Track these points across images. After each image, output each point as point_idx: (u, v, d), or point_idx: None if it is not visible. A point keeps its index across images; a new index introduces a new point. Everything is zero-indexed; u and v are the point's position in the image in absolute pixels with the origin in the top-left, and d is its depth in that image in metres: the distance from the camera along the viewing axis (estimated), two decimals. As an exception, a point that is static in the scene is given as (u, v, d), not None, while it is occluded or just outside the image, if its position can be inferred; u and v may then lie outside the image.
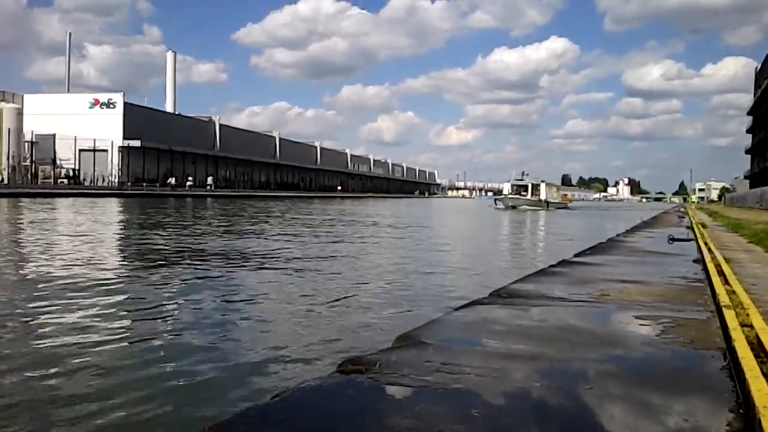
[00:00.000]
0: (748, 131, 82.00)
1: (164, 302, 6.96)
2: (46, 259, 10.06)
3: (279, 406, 2.85)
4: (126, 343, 5.06)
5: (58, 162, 56.98)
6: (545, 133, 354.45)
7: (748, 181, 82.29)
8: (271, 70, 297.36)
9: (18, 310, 6.15)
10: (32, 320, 5.72)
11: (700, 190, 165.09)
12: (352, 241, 16.00)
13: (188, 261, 10.58)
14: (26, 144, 54.81)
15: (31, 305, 6.36)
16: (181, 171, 70.73)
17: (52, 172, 55.57)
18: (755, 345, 3.69)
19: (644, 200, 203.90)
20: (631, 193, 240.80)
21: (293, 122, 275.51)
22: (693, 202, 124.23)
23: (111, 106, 63.22)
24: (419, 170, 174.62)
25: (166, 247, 12.83)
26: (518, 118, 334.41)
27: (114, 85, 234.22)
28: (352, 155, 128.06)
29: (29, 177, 53.55)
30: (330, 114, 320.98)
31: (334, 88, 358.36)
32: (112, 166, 60.63)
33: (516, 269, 10.29)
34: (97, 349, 4.80)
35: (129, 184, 58.43)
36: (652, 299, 5.72)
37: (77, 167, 59.16)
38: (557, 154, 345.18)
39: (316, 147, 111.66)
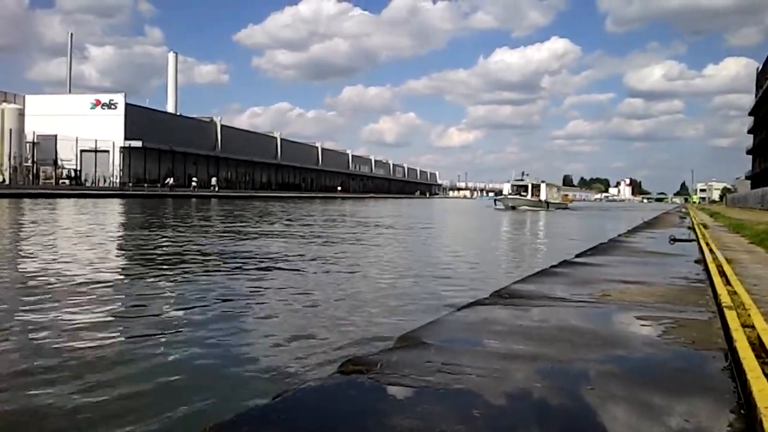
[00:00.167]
0: (749, 132, 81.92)
1: (165, 302, 6.96)
2: (46, 260, 10.06)
3: (280, 407, 2.85)
4: (126, 343, 5.05)
5: (59, 162, 57.00)
6: (547, 134, 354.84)
7: (749, 182, 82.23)
8: (272, 71, 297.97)
9: (19, 310, 6.15)
10: (32, 319, 5.72)
11: (702, 190, 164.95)
12: (352, 241, 16.00)
13: (189, 262, 10.58)
14: (28, 144, 54.85)
15: (31, 306, 6.37)
16: (183, 171, 70.74)
17: (53, 173, 55.60)
18: (756, 345, 3.68)
19: (645, 201, 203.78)
20: (633, 193, 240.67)
21: (294, 123, 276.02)
22: (694, 202, 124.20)
23: (112, 106, 63.25)
24: (420, 171, 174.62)
25: (167, 247, 12.84)
26: (520, 118, 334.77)
27: (115, 86, 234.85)
28: (353, 156, 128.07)
29: (31, 177, 53.60)
30: (331, 115, 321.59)
31: (336, 89, 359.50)
32: (113, 167, 60.66)
33: (517, 270, 10.29)
34: (97, 349, 4.80)
35: (130, 184, 58.44)
36: (654, 300, 5.71)
37: (78, 168, 59.18)
38: (559, 154, 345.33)
39: (317, 147, 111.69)
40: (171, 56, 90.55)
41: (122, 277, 8.98)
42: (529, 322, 4.70)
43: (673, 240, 13.39)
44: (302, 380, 3.60)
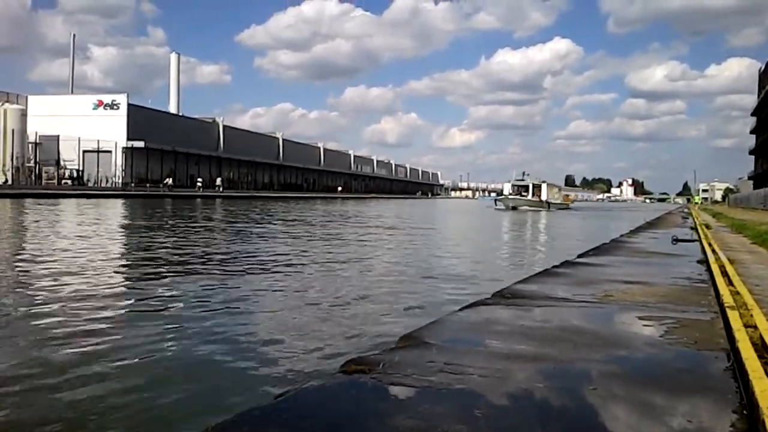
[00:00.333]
0: (751, 132, 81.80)
1: (166, 302, 6.96)
2: (46, 261, 10.08)
3: (282, 407, 2.85)
4: (126, 342, 5.06)
5: (61, 163, 57.12)
6: (548, 134, 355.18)
7: (751, 182, 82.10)
8: (274, 72, 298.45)
9: (20, 310, 6.17)
10: (35, 320, 5.73)
11: (704, 190, 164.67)
12: (353, 242, 16.00)
13: (192, 263, 10.59)
14: (30, 145, 54.98)
15: (32, 306, 6.38)
16: (185, 172, 70.84)
17: (55, 173, 55.69)
18: (759, 346, 3.68)
19: (648, 201, 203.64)
20: (635, 193, 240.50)
21: (297, 123, 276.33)
22: (696, 202, 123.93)
23: (115, 107, 63.34)
24: (422, 171, 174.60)
25: (171, 248, 12.85)
26: (521, 119, 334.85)
27: (118, 87, 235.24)
28: (355, 156, 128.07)
29: (33, 178, 53.70)
30: (333, 115, 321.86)
31: (338, 90, 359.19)
32: (115, 167, 60.76)
33: (519, 270, 10.28)
34: (98, 349, 4.81)
35: (132, 185, 58.53)
36: (656, 300, 5.70)
37: (81, 168, 59.30)
38: (561, 155, 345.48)
39: (319, 148, 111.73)
40: (173, 57, 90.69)
41: (125, 278, 9.00)
42: (531, 322, 4.70)
43: (676, 240, 13.37)
44: (304, 380, 3.60)
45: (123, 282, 8.49)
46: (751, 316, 4.58)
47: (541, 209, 54.31)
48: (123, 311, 6.45)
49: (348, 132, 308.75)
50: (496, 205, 58.85)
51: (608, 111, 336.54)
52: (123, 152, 61.26)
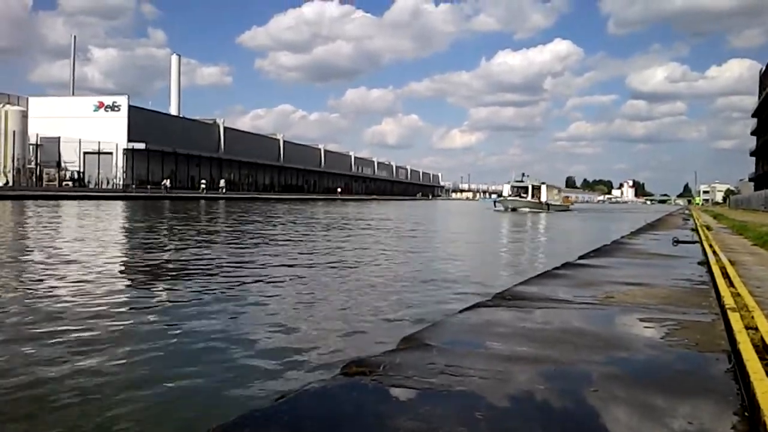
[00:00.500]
0: (752, 133, 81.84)
1: (167, 302, 6.97)
2: (47, 262, 10.08)
3: (283, 408, 2.85)
4: (126, 343, 5.06)
5: (62, 164, 57.13)
6: (549, 136, 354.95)
7: (752, 184, 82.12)
8: (275, 73, 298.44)
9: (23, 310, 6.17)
10: (34, 317, 5.73)
11: (705, 192, 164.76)
12: (354, 243, 16.00)
13: (193, 263, 10.59)
14: (31, 147, 55.00)
15: (32, 304, 6.39)
16: (186, 173, 70.89)
17: (56, 175, 55.68)
18: (760, 348, 3.67)
19: (648, 202, 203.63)
20: (636, 195, 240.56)
21: (297, 125, 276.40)
22: (697, 204, 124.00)
23: (115, 108, 63.38)
24: (423, 172, 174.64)
25: (175, 249, 12.86)
26: (522, 120, 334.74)
27: (119, 88, 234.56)
28: (355, 157, 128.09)
29: (34, 179, 53.72)
30: (334, 117, 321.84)
31: (339, 92, 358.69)
32: (116, 169, 60.79)
33: (519, 272, 10.27)
34: (99, 349, 4.81)
35: (133, 186, 58.56)
36: (657, 302, 5.70)
37: (82, 170, 59.34)
38: (561, 156, 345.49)
39: (320, 149, 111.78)
40: (174, 58, 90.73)
41: (126, 279, 8.99)
42: (531, 324, 4.70)
43: (677, 242, 13.37)
44: (305, 382, 3.60)
45: (123, 283, 8.48)
46: (752, 317, 4.58)
47: (540, 211, 53.87)
48: (123, 311, 6.44)
49: (349, 133, 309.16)
50: (495, 206, 58.52)
51: (609, 112, 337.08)
52: (124, 154, 61.29)
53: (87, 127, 59.71)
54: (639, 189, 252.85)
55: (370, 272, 10.06)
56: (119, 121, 62.36)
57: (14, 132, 51.79)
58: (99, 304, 6.65)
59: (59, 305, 6.50)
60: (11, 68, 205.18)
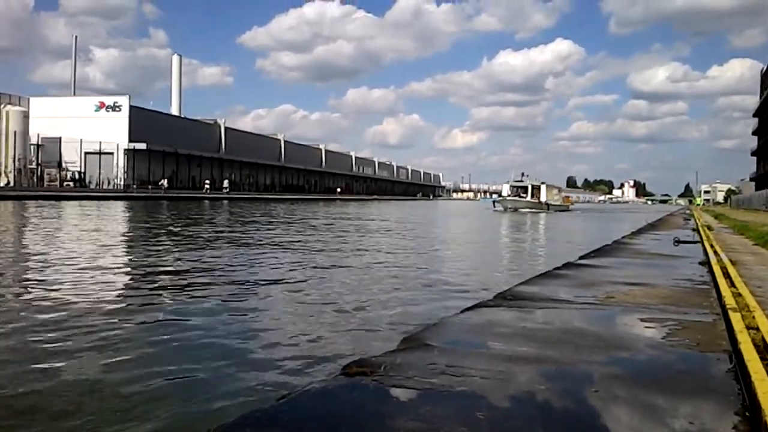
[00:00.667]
0: (753, 133, 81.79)
1: (167, 300, 6.97)
2: (47, 263, 10.09)
3: (284, 409, 2.86)
4: (129, 340, 5.06)
5: (63, 165, 57.18)
6: (550, 136, 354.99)
7: (753, 183, 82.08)
8: (276, 73, 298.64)
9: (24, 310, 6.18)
10: (30, 306, 5.74)
11: (706, 192, 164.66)
12: (354, 243, 16.00)
13: (194, 265, 10.60)
14: (32, 147, 55.04)
15: (31, 300, 6.40)
16: (187, 174, 70.91)
17: (57, 175, 55.72)
18: (761, 348, 3.67)
19: (649, 202, 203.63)
20: (637, 195, 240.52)
21: (298, 125, 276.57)
22: (698, 204, 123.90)
23: (117, 109, 63.39)
24: (424, 172, 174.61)
25: (172, 243, 12.86)
26: (523, 120, 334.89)
27: (120, 89, 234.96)
28: (356, 157, 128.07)
29: (35, 180, 53.76)
30: (335, 117, 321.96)
31: (340, 91, 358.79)
32: (117, 169, 60.81)
33: (520, 272, 10.27)
34: (101, 347, 4.81)
35: (134, 186, 58.58)
36: (658, 302, 5.70)
37: (83, 170, 59.38)
38: (562, 156, 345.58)
39: (321, 149, 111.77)
40: (175, 58, 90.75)
41: (127, 281, 9.00)
42: (532, 324, 4.70)
43: (678, 242, 13.36)
44: (306, 382, 3.61)
45: (124, 284, 8.49)
46: (753, 317, 4.58)
47: (540, 211, 53.39)
48: (123, 310, 6.45)
49: (350, 133, 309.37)
50: (494, 206, 58.03)
51: (610, 112, 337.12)
52: (125, 154, 61.30)
53: (88, 128, 59.73)
54: (640, 189, 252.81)
55: (369, 271, 10.06)
56: (120, 122, 62.36)
57: (15, 132, 51.85)
58: (96, 306, 6.66)
59: (58, 305, 6.51)
60: (12, 68, 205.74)
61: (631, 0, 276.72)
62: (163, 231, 18.23)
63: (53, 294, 7.17)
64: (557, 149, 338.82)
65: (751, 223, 22.20)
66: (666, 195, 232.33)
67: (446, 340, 4.09)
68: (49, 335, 5.22)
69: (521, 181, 59.75)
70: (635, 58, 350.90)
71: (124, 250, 13.55)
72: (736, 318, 4.55)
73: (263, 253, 12.64)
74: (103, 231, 17.69)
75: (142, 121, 63.93)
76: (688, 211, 54.40)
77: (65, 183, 55.40)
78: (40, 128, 55.75)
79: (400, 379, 3.19)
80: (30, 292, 7.31)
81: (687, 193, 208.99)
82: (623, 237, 16.03)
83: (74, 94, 72.28)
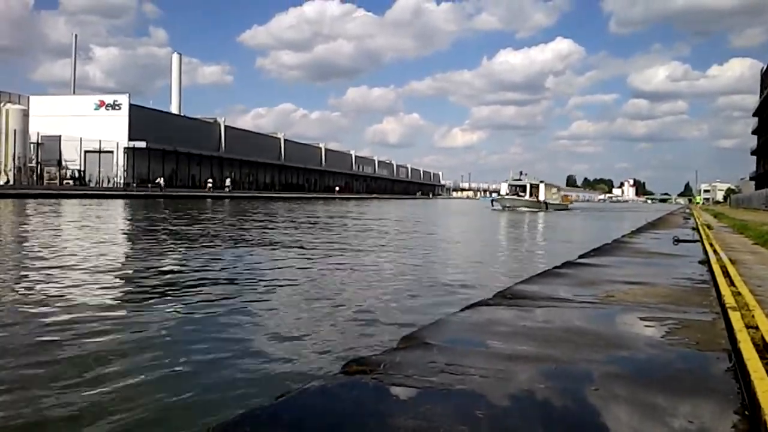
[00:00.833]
0: (753, 132, 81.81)
1: (167, 298, 6.97)
2: (47, 263, 10.09)
3: (284, 407, 2.86)
4: (130, 339, 5.06)
5: (63, 163, 57.17)
6: (550, 135, 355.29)
7: (753, 183, 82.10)
8: (276, 72, 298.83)
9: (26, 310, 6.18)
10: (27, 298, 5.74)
11: (706, 191, 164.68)
12: (353, 243, 16.00)
13: (195, 262, 10.61)
14: (32, 145, 55.01)
15: (29, 296, 6.40)
16: (187, 172, 70.89)
17: (57, 173, 55.72)
18: (761, 347, 3.67)
19: (649, 201, 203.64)
20: (636, 194, 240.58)
21: (298, 124, 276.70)
22: (698, 203, 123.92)
23: (116, 107, 63.36)
24: (424, 171, 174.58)
25: (173, 241, 12.86)
26: (523, 119, 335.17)
27: (120, 87, 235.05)
28: (356, 156, 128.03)
29: (35, 178, 53.74)
30: (335, 116, 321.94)
31: (340, 90, 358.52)
32: (117, 167, 60.79)
33: (519, 271, 10.26)
34: (102, 347, 4.81)
35: (134, 185, 58.57)
36: (658, 301, 5.70)
37: (83, 168, 59.36)
38: (562, 155, 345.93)
39: (320, 148, 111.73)
40: (175, 57, 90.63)
41: (127, 279, 9.00)
42: (532, 322, 4.70)
43: (677, 241, 13.36)
44: (306, 380, 3.60)
45: (124, 282, 8.49)
46: (753, 316, 4.58)
47: (538, 210, 52.87)
48: (123, 311, 6.45)
49: (350, 132, 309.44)
50: (492, 205, 57.47)
51: (610, 111, 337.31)
52: (125, 152, 61.27)
53: (88, 126, 59.71)
54: (640, 188, 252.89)
55: (368, 271, 10.06)
56: (120, 120, 62.33)
57: (15, 131, 51.82)
58: (96, 306, 6.66)
59: (58, 304, 6.51)
60: (12, 67, 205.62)
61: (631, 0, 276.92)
62: (173, 229, 18.23)
63: (53, 293, 7.18)
64: (557, 148, 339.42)
65: (751, 222, 22.21)
66: (666, 194, 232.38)
67: (446, 339, 4.09)
68: (47, 333, 5.23)
69: (520, 179, 59.15)
70: (635, 57, 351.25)
71: (126, 249, 13.56)
72: (735, 317, 4.55)
73: (263, 252, 12.65)
74: (105, 230, 17.69)
75: (141, 120, 63.90)
76: (687, 210, 54.38)
77: (65, 181, 55.38)
78: (40, 127, 55.73)
79: (399, 378, 3.20)
80: (30, 291, 7.31)
81: (687, 192, 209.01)
82: (623, 236, 16.03)
83: (74, 92, 72.23)
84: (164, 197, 50.00)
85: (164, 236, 15.75)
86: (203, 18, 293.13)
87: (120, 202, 40.07)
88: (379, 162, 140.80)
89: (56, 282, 7.89)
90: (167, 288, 7.87)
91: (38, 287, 7.50)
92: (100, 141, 58.86)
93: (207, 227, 19.85)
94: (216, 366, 4.49)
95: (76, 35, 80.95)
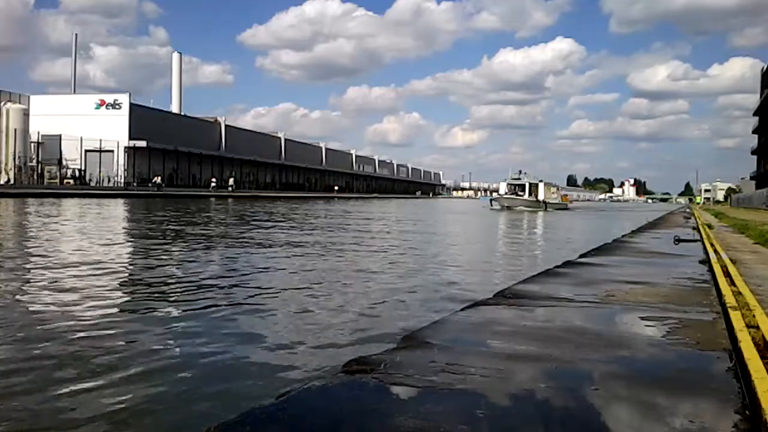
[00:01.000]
0: (754, 132, 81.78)
1: (168, 296, 6.97)
2: (42, 260, 10.09)
3: (284, 406, 2.86)
4: (130, 338, 5.07)
5: (64, 162, 57.19)
6: (551, 134, 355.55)
7: (754, 182, 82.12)
8: (276, 72, 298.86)
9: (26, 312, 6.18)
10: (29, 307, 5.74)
11: (706, 190, 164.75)
12: (353, 243, 16.00)
13: (195, 262, 10.61)
14: (32, 144, 55.06)
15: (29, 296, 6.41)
16: (187, 171, 70.89)
17: (58, 173, 55.76)
18: (761, 346, 3.67)
19: (650, 201, 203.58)
20: (637, 193, 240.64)
21: (299, 123, 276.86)
22: (698, 203, 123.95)
23: (117, 106, 63.35)
24: (424, 171, 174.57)
25: (173, 239, 12.86)
26: (524, 119, 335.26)
27: (120, 86, 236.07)
28: (356, 156, 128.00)
29: (35, 177, 53.78)
30: (335, 115, 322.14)
31: (340, 90, 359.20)
32: (117, 167, 60.79)
33: (519, 270, 10.26)
34: (102, 345, 4.81)
35: (135, 184, 58.57)
36: (658, 300, 5.70)
37: (83, 168, 59.37)
38: (563, 155, 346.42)
39: (321, 148, 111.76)
40: (175, 56, 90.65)
41: (128, 277, 9.00)
42: (533, 322, 4.70)
43: (678, 240, 13.35)
44: (306, 380, 3.61)
45: (124, 281, 8.49)
46: (754, 316, 4.58)
47: (537, 209, 52.26)
48: (122, 308, 6.45)
49: (350, 132, 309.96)
50: (491, 205, 56.83)
51: (611, 111, 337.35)
52: (125, 152, 61.27)
53: (88, 125, 59.70)
54: (640, 187, 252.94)
55: (369, 271, 10.05)
56: (120, 119, 62.33)
57: (16, 130, 51.88)
58: (96, 305, 6.66)
59: (58, 303, 6.52)
60: (13, 66, 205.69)
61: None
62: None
63: (53, 292, 7.18)
64: (558, 148, 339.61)
65: (751, 221, 22.21)
66: (666, 194, 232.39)
67: (446, 339, 4.09)
68: (46, 332, 5.23)
69: (518, 179, 58.26)
70: (636, 56, 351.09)
71: (129, 249, 13.56)
72: (736, 316, 4.55)
73: (263, 252, 12.65)
74: (111, 230, 17.70)
75: (142, 119, 63.91)
76: (688, 210, 54.35)
77: (65, 181, 55.40)
78: (40, 126, 55.76)
79: (400, 377, 3.20)
80: (31, 292, 7.32)
81: (687, 191, 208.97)
82: (623, 235, 16.04)
83: (74, 91, 72.29)
84: (165, 197, 49.99)
85: (172, 235, 15.76)
86: (204, 17, 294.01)
87: (121, 201, 40.09)
88: (379, 161, 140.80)
89: (56, 282, 7.89)
90: (167, 288, 7.87)
91: (32, 289, 7.50)
92: (100, 140, 58.86)
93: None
94: (216, 365, 4.49)
95: (76, 34, 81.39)
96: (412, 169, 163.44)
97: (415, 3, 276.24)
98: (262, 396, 3.65)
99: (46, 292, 7.15)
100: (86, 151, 59.49)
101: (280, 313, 6.52)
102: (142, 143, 61.09)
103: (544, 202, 56.12)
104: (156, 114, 70.28)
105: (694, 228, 20.09)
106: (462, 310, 5.16)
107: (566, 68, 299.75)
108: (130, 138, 61.31)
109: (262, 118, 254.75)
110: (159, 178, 60.00)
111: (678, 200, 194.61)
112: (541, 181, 58.26)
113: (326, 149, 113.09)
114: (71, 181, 55.69)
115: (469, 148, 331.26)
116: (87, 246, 12.66)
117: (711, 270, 7.89)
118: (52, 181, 54.54)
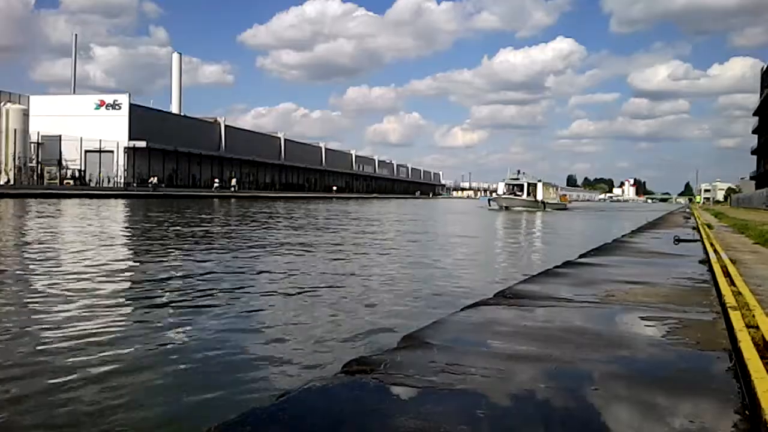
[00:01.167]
0: (754, 132, 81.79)
1: (168, 296, 6.97)
2: (46, 262, 10.09)
3: (284, 406, 2.86)
4: (130, 338, 5.07)
5: (63, 163, 57.18)
6: (551, 134, 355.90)
7: (754, 182, 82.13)
8: (277, 72, 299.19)
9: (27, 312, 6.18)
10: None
11: (706, 190, 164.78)
12: (353, 243, 16.00)
13: (195, 261, 10.61)
14: (32, 145, 55.05)
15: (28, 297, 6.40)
16: (187, 172, 70.89)
17: (57, 173, 55.75)
18: (761, 346, 3.67)
19: (649, 201, 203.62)
20: (637, 193, 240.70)
21: (299, 123, 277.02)
22: (698, 203, 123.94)
23: (117, 107, 63.34)
24: (424, 171, 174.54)
25: (174, 237, 12.85)
26: (524, 119, 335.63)
27: (120, 87, 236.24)
28: (356, 156, 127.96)
29: (35, 178, 53.76)
30: (336, 115, 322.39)
31: (340, 90, 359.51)
32: (117, 167, 60.78)
33: (519, 270, 10.26)
34: (103, 344, 4.82)
35: (134, 184, 58.56)
36: (658, 300, 5.70)
37: (83, 168, 59.36)
38: (563, 154, 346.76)
39: (321, 148, 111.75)
40: (175, 56, 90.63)
41: (135, 277, 9.00)
42: (533, 322, 4.70)
43: (678, 240, 13.35)
44: (306, 380, 3.61)
45: (124, 279, 8.49)
46: (753, 316, 4.58)
47: (536, 209, 52.04)
48: (123, 309, 6.45)
49: (350, 132, 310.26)
50: (489, 205, 56.45)
51: (611, 110, 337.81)
52: (125, 152, 61.27)
53: (88, 126, 59.70)
54: (640, 187, 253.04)
55: (368, 271, 10.06)
56: (120, 120, 62.33)
57: (15, 130, 51.86)
58: (96, 304, 6.66)
59: (58, 303, 6.52)
60: (13, 66, 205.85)
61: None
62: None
63: (53, 292, 7.18)
64: (558, 148, 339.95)
65: (751, 221, 22.21)
66: (666, 193, 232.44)
67: (446, 339, 4.09)
68: (47, 333, 5.23)
69: (517, 178, 57.85)
70: (636, 56, 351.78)
71: (128, 250, 13.56)
72: (736, 317, 4.55)
73: (264, 251, 12.65)
74: (111, 232, 17.70)
75: (142, 120, 63.91)
76: (688, 210, 54.32)
77: (65, 181, 55.40)
78: (40, 126, 55.75)
79: (400, 378, 3.20)
80: (24, 295, 7.31)
81: (687, 191, 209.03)
82: (623, 235, 16.03)
83: (74, 92, 72.28)
84: (165, 197, 49.96)
85: (173, 236, 15.76)
86: (204, 17, 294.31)
87: (120, 201, 40.07)
88: (379, 161, 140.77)
89: (54, 282, 7.89)
90: (167, 288, 7.87)
91: (30, 293, 7.51)
92: (100, 141, 58.85)
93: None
94: (216, 365, 4.49)
95: (76, 35, 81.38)
96: (412, 169, 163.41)
97: (416, 3, 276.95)
98: (262, 396, 3.66)
99: (46, 292, 7.15)
100: (86, 151, 59.48)
101: (281, 312, 6.52)
102: (142, 144, 61.08)
103: (543, 202, 55.88)
104: (156, 114, 70.27)
105: (693, 228, 20.08)
106: (462, 310, 5.16)
107: (566, 68, 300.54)
108: (130, 138, 61.30)
109: (262, 118, 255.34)
110: (156, 178, 59.97)
111: (678, 200, 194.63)
112: (539, 181, 57.95)
113: (326, 149, 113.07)
114: (71, 182, 55.67)
115: (469, 148, 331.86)
116: (87, 246, 12.66)
117: (711, 270, 7.89)
118: (51, 181, 54.53)
